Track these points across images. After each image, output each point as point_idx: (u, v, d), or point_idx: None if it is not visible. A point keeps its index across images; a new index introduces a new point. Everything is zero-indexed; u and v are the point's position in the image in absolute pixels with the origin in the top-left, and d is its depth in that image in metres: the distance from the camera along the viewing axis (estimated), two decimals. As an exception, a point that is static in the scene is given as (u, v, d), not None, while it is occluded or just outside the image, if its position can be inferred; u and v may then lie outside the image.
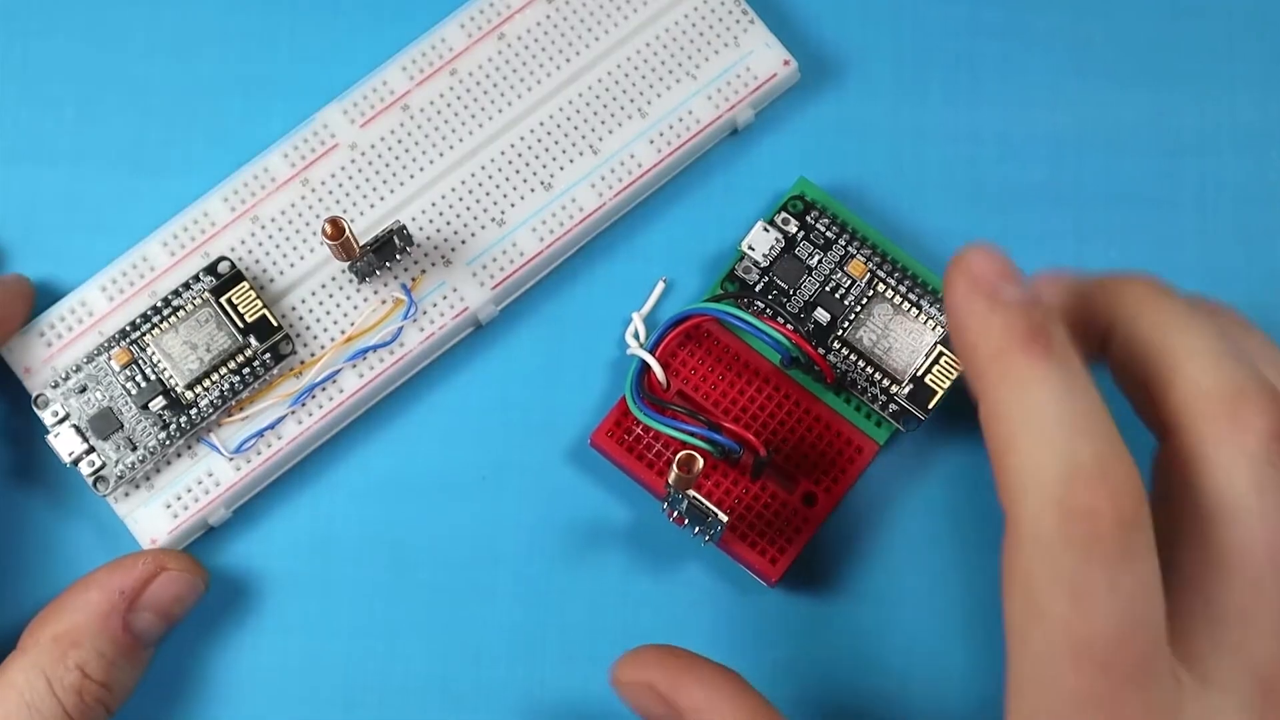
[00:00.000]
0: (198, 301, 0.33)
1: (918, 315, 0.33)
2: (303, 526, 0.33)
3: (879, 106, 0.36)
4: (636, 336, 0.34)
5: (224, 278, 0.33)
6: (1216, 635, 0.24)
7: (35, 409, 0.32)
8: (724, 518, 0.30)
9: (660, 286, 0.35)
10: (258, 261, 0.34)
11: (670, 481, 0.30)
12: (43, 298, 0.34)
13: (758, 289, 0.34)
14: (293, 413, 0.33)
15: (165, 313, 0.33)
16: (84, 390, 0.32)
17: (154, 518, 0.32)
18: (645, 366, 0.33)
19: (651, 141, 0.34)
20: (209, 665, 0.33)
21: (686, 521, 0.32)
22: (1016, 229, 0.35)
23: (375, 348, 0.33)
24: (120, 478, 0.32)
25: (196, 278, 0.33)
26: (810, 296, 0.34)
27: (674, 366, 0.33)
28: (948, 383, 0.33)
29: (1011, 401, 0.24)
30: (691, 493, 0.30)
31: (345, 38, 0.36)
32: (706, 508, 0.30)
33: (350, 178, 0.34)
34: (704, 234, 0.35)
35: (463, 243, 0.34)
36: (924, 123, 0.36)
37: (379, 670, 0.33)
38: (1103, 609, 0.22)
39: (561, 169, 0.34)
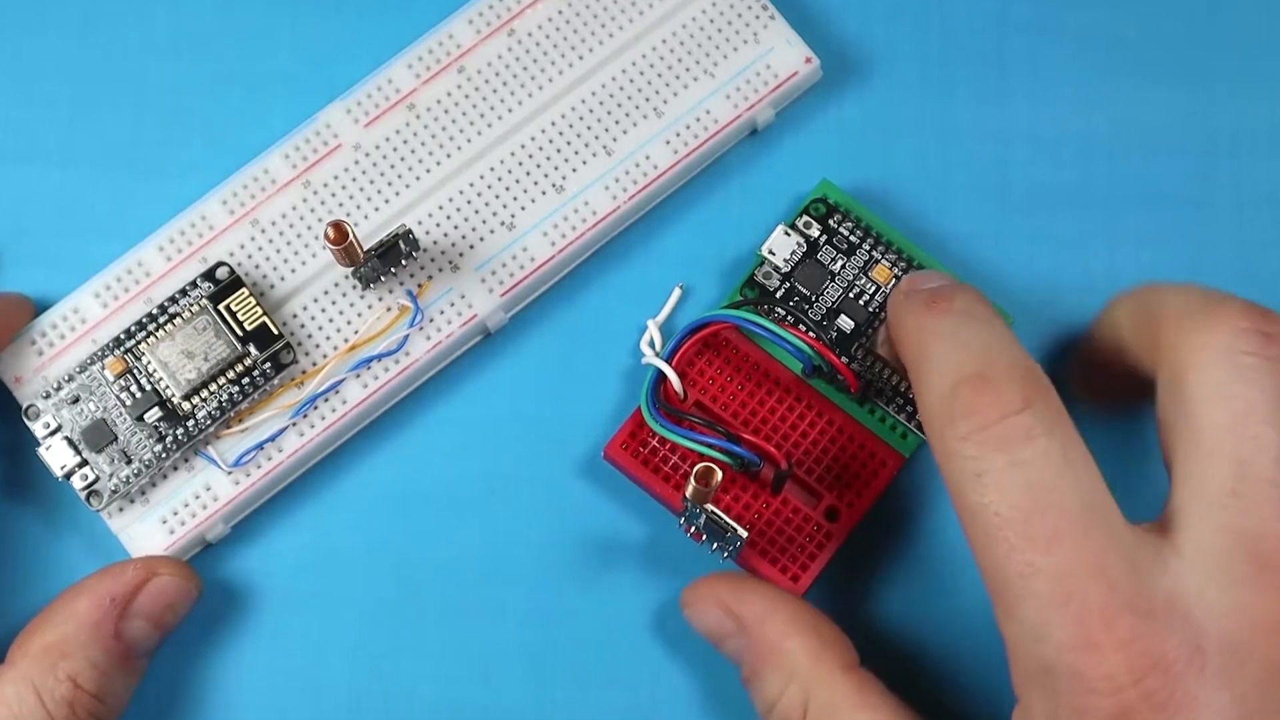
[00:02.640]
0: (195, 308, 0.32)
1: (945, 322, 0.32)
2: (304, 543, 0.33)
3: (904, 106, 0.35)
4: (652, 345, 0.33)
5: (222, 284, 0.32)
6: (1206, 513, 0.25)
7: (26, 420, 0.32)
8: (743, 533, 0.30)
9: (677, 293, 0.34)
10: (258, 267, 0.33)
11: (688, 495, 0.29)
12: (34, 304, 0.33)
13: (778, 295, 0.33)
14: (294, 424, 0.32)
15: (161, 320, 0.32)
16: (77, 401, 0.32)
17: (149, 533, 0.32)
18: (661, 376, 0.32)
19: (668, 142, 0.34)
20: (208, 686, 0.32)
21: (704, 537, 0.31)
22: (1046, 232, 0.35)
23: (380, 357, 0.33)
24: (114, 492, 0.31)
25: (194, 284, 0.33)
26: (833, 303, 0.33)
27: (691, 376, 0.33)
28: None
29: (915, 353, 0.28)
30: (709, 507, 0.30)
31: (349, 34, 0.36)
32: (725, 522, 0.30)
33: (354, 179, 0.34)
34: (722, 238, 0.34)
35: (471, 248, 0.33)
36: (951, 122, 0.35)
37: (384, 692, 0.32)
38: (1008, 484, 0.25)
39: (574, 171, 0.34)
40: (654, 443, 0.32)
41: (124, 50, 0.35)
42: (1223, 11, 0.36)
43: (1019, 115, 0.35)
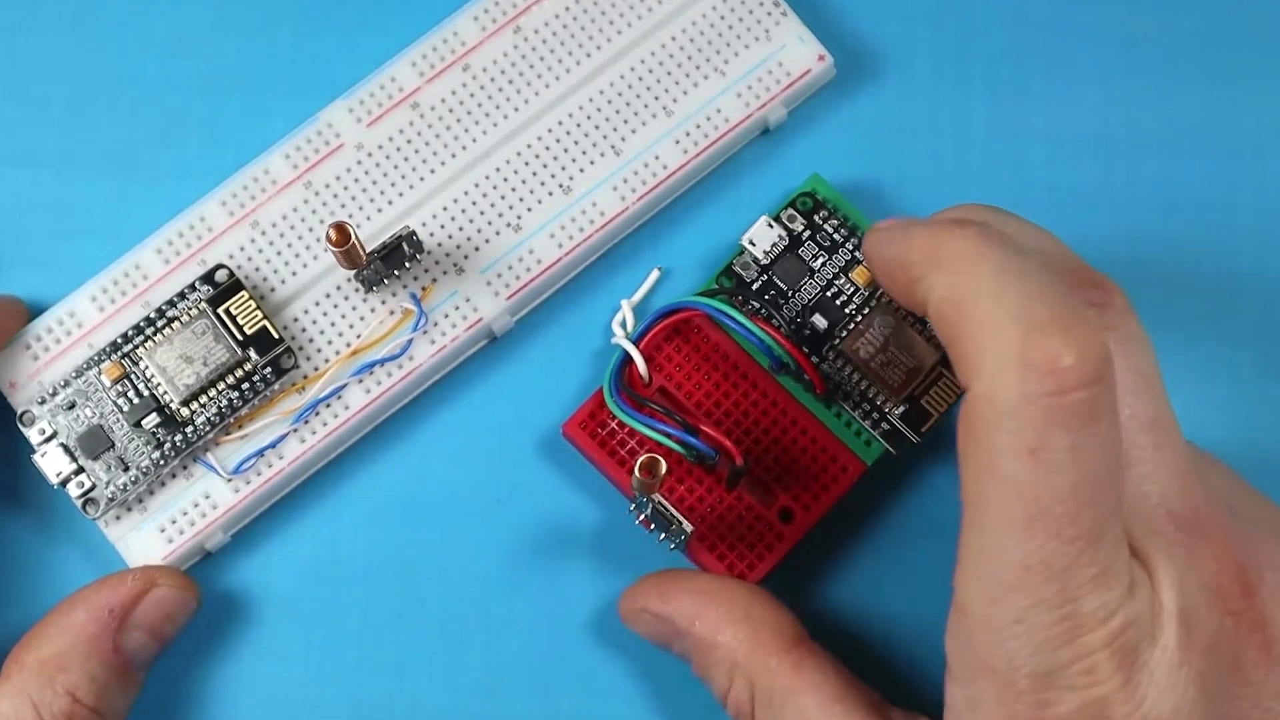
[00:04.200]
0: (194, 312, 0.32)
1: (921, 331, 0.32)
2: (305, 552, 0.33)
3: (919, 104, 0.35)
4: (624, 325, 0.33)
5: (222, 287, 0.32)
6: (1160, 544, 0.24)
7: (20, 426, 0.32)
8: (689, 527, 0.30)
9: (655, 274, 0.34)
10: (258, 269, 0.33)
11: (633, 484, 0.29)
12: (29, 308, 0.33)
13: (754, 287, 0.33)
14: (295, 431, 0.32)
15: (159, 324, 0.32)
16: (73, 407, 0.32)
17: (147, 542, 0.32)
18: (627, 358, 0.32)
19: (677, 142, 0.34)
20: (207, 699, 0.32)
21: (653, 526, 0.31)
22: (1064, 234, 0.34)
23: (383, 361, 0.32)
24: (111, 500, 0.31)
25: (193, 286, 0.32)
26: (809, 300, 0.33)
27: (658, 361, 0.32)
28: (945, 406, 0.32)
29: (959, 280, 0.25)
30: (657, 497, 0.30)
31: (351, 31, 0.35)
32: (672, 514, 0.30)
33: (356, 180, 0.33)
34: (732, 239, 0.34)
35: (476, 250, 0.33)
36: (966, 122, 0.35)
37: (386, 704, 0.32)
38: (1064, 470, 0.23)
39: (581, 171, 0.34)
40: (613, 425, 0.32)
41: (121, 49, 0.35)
42: (1244, 9, 0.36)
43: (1036, 114, 0.35)
